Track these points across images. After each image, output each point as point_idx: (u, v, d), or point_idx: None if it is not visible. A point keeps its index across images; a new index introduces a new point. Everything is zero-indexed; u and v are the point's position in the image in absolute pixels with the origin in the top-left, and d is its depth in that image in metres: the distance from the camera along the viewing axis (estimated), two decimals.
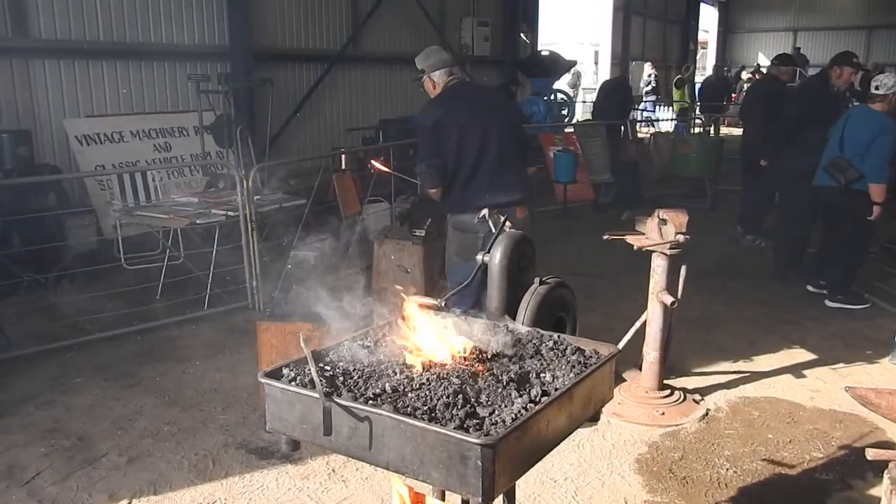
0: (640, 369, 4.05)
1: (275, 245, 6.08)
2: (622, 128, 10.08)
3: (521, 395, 1.76)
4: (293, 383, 1.83)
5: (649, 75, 10.03)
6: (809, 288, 5.87)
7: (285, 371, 1.89)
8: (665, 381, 4.07)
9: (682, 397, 3.98)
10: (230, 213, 5.47)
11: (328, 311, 2.17)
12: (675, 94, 16.12)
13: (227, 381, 4.23)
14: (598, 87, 12.46)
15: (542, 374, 1.92)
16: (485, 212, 3.19)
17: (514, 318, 2.42)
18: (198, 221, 5.42)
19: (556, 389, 1.81)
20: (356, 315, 2.21)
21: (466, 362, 1.92)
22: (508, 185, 3.75)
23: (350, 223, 6.40)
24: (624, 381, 4.09)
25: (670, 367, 4.24)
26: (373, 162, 4.05)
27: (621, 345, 3.95)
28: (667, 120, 17.48)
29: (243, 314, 5.33)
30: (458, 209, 3.77)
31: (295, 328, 3.30)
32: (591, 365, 1.96)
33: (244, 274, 5.44)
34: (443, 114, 3.73)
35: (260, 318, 3.59)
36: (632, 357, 4.10)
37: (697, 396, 4.05)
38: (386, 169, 4.06)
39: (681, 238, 3.75)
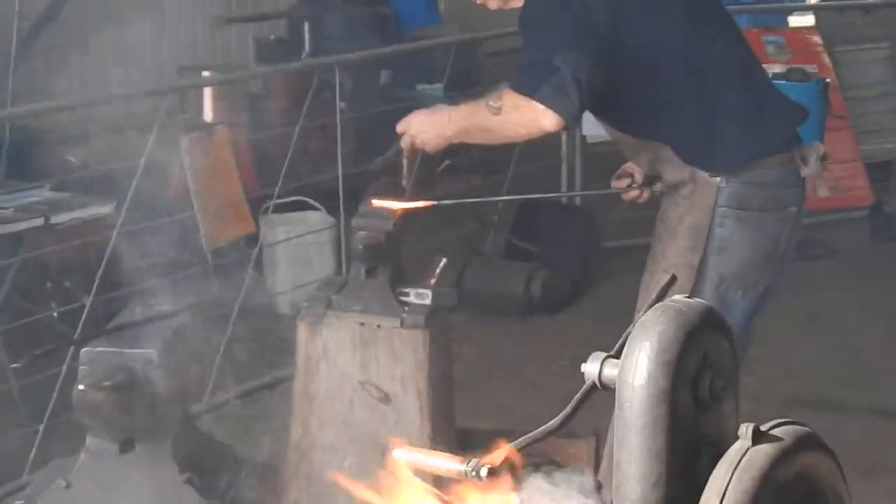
0: None
1: (33, 325, 4.89)
2: None
3: None
4: None
5: None
6: None
7: None
8: None
9: None
10: None
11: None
12: None
13: None
14: None
15: None
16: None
17: None
18: None
19: None
20: None
21: None
22: (781, 101, 3.32)
23: (232, 265, 4.76)
24: None
25: None
26: (374, 202, 2.97)
27: None
28: None
29: None
30: (743, 157, 3.08)
31: None
32: None
33: None
34: None
35: None
36: None
37: None
38: (418, 203, 3.05)
39: None
